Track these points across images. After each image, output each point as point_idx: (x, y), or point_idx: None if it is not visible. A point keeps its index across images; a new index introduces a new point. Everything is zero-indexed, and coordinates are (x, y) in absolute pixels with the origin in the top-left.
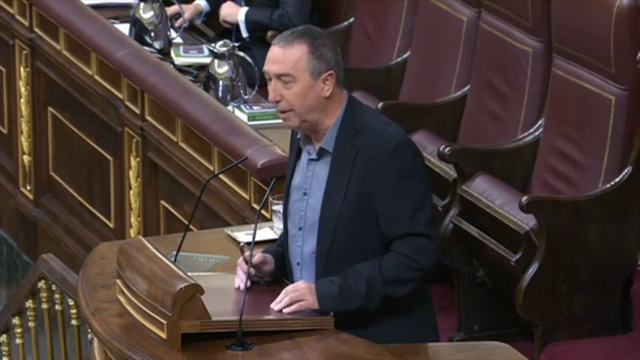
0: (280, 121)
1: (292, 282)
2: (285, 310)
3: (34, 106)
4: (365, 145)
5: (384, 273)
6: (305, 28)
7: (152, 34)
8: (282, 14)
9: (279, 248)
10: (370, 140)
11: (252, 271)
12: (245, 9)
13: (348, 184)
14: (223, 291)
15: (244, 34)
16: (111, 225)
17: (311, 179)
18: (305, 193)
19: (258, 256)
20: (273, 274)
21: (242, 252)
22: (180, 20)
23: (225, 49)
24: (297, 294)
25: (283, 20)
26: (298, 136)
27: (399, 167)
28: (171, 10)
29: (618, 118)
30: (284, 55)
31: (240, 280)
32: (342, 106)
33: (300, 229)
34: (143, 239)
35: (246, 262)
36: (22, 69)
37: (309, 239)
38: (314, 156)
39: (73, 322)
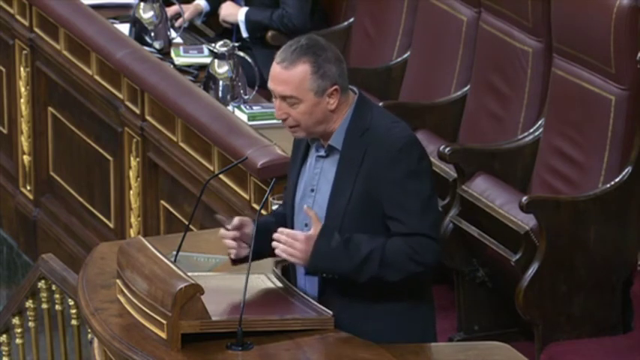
0: (280, 120)
1: (295, 277)
2: (276, 252)
3: (34, 106)
4: (373, 143)
5: (385, 254)
6: (308, 42)
7: (152, 34)
8: (282, 14)
9: (269, 217)
10: (378, 139)
11: (234, 234)
12: (245, 9)
13: (355, 182)
14: (223, 291)
15: (244, 34)
16: (111, 225)
17: (319, 176)
18: (312, 190)
19: (235, 219)
20: (257, 241)
21: (221, 224)
22: (180, 20)
23: (225, 49)
24: (292, 245)
25: (283, 20)
26: None
27: (406, 167)
28: (171, 10)
29: (618, 118)
30: (287, 77)
31: (230, 247)
32: (352, 104)
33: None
34: (143, 239)
35: (226, 230)
36: (22, 69)
37: None
38: (322, 153)
39: (73, 322)
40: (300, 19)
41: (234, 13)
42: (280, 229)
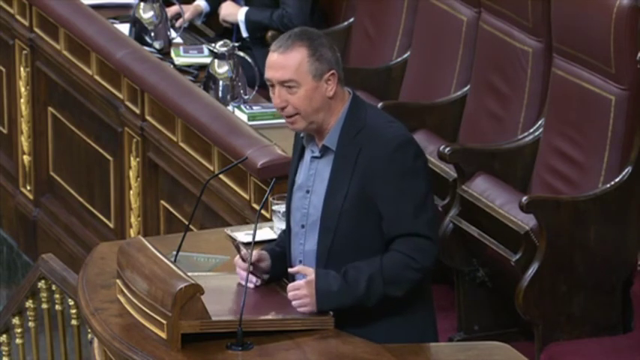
0: (280, 120)
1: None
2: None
3: (34, 106)
4: (368, 143)
5: (385, 272)
6: (302, 30)
7: (152, 34)
8: (282, 14)
9: (276, 247)
10: (373, 138)
11: (251, 267)
12: (245, 9)
13: (350, 182)
14: (223, 291)
15: (244, 34)
16: (111, 225)
17: (314, 177)
18: (308, 191)
19: (254, 253)
20: (271, 272)
21: (238, 250)
22: (181, 20)
23: (225, 49)
24: (296, 295)
25: (283, 20)
26: (302, 135)
27: (401, 166)
28: (171, 10)
29: (618, 118)
30: (285, 61)
31: (242, 279)
32: (346, 104)
33: (303, 226)
34: (143, 239)
35: (243, 260)
36: (22, 69)
37: (311, 237)
38: (317, 154)
39: (73, 322)
40: (300, 19)
41: (234, 13)
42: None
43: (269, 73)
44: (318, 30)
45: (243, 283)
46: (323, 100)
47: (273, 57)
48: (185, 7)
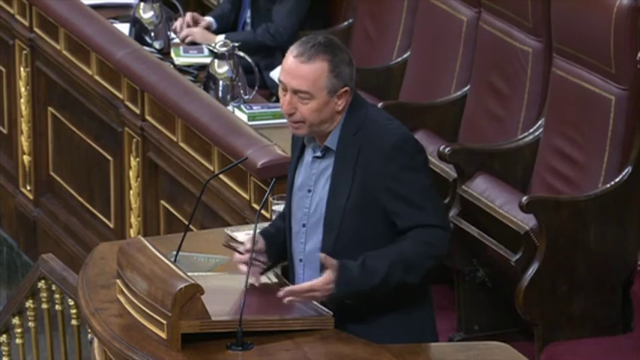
0: (280, 120)
1: (293, 278)
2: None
3: (34, 106)
4: (367, 141)
5: (406, 260)
6: (327, 40)
7: (152, 34)
8: (266, 27)
9: (269, 228)
10: (373, 137)
11: (244, 257)
12: (222, 35)
13: (352, 181)
14: (223, 291)
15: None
16: (111, 225)
17: (315, 176)
18: (309, 190)
19: (247, 238)
20: (268, 251)
21: (233, 249)
22: (184, 33)
23: (225, 49)
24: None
25: (269, 31)
26: None
27: (400, 162)
28: (177, 23)
29: (618, 118)
30: (304, 71)
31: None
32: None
33: (304, 225)
34: (143, 239)
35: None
36: (22, 69)
37: (312, 236)
38: (318, 154)
39: (73, 322)
40: (288, 31)
41: (211, 39)
42: (290, 290)
43: (285, 78)
44: (340, 42)
45: (251, 279)
46: (331, 113)
47: (293, 63)
48: (196, 29)
